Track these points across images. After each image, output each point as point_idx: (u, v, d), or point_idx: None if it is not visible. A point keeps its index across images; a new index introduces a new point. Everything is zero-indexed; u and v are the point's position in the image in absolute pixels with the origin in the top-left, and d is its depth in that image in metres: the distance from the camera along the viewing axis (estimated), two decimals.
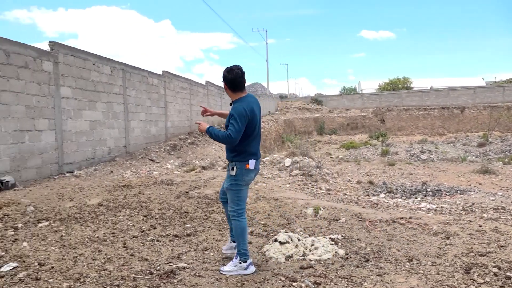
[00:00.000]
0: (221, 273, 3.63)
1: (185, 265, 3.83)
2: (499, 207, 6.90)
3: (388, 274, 3.53)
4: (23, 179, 7.85)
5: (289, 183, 8.35)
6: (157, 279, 3.49)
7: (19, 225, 5.09)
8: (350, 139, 33.26)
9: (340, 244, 4.34)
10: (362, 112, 41.87)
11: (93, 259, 3.98)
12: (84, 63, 10.04)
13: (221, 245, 4.43)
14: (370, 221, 5.20)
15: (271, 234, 4.75)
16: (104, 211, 5.89)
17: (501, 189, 10.09)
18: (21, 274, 3.58)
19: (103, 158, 10.75)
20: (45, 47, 8.90)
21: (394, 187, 10.91)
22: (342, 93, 61.71)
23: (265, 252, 4.17)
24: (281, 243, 4.24)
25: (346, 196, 7.91)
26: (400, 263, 3.79)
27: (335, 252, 4.07)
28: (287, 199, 6.45)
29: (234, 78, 3.73)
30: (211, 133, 3.72)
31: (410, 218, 5.42)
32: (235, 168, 3.66)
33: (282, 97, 61.34)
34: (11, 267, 3.74)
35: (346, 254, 4.05)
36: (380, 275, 3.50)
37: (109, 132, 11.07)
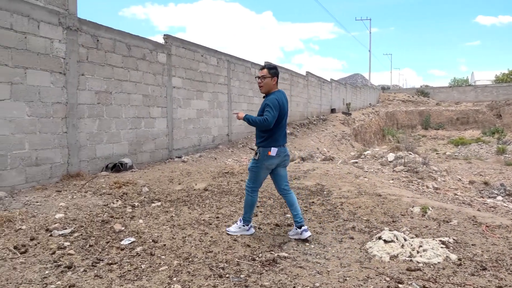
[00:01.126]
0: (227, 233, 4.41)
1: (286, 254, 3.86)
2: None
3: (510, 286, 3.18)
4: (138, 162, 8.60)
5: (393, 179, 7.96)
6: (259, 266, 3.57)
7: (136, 204, 5.58)
8: (460, 135, 30.70)
9: (452, 248, 4.02)
10: (474, 106, 38.33)
11: (200, 241, 4.20)
12: (193, 55, 10.61)
13: (322, 238, 4.39)
14: (487, 226, 4.73)
15: (374, 231, 4.58)
16: (209, 195, 6.19)
17: None
18: (138, 249, 3.92)
19: (208, 145, 11.32)
20: (160, 40, 9.59)
21: None
22: (452, 84, 57.08)
23: (368, 249, 4.03)
24: (385, 241, 4.06)
25: (457, 196, 7.30)
26: None
27: (446, 256, 3.78)
28: (391, 195, 6.16)
29: (278, 74, 4.50)
30: (249, 119, 4.33)
31: None
32: (258, 154, 4.26)
33: (384, 88, 58.75)
34: (130, 241, 4.11)
35: (459, 259, 3.73)
36: (500, 287, 3.17)
37: (213, 121, 11.61)
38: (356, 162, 10.14)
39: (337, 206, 5.68)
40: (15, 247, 3.85)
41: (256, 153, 4.29)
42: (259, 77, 4.42)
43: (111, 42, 7.84)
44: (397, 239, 4.11)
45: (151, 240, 4.16)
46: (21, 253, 3.75)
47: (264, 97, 4.43)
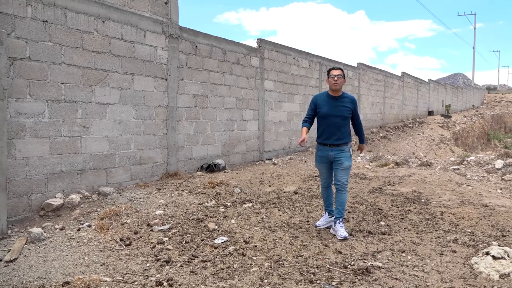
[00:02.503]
0: (345, 238, 4.35)
1: (380, 264, 3.69)
2: None
3: None
4: (230, 163, 8.88)
5: (501, 189, 7.21)
6: (351, 274, 3.45)
7: (228, 204, 5.75)
8: None
9: None
10: None
11: (290, 244, 4.19)
12: (285, 58, 10.69)
13: (419, 249, 4.12)
14: None
15: (480, 246, 4.17)
16: (299, 199, 6.17)
17: None
18: (230, 248, 4.03)
19: (298, 148, 11.30)
20: (253, 44, 9.81)
21: None
22: None
23: (473, 265, 3.68)
24: (494, 257, 3.67)
25: None
26: None
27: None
28: (499, 207, 5.59)
29: None
30: (362, 133, 5.07)
31: None
32: (350, 149, 4.63)
33: (489, 88, 53.82)
34: (223, 240, 4.25)
35: None
36: None
37: None
38: (458, 169, 9.38)
39: (437, 215, 5.29)
40: (121, 239, 4.20)
41: (348, 150, 4.63)
42: (338, 76, 4.57)
43: (208, 48, 8.21)
44: (508, 256, 3.70)
45: (242, 241, 4.25)
46: (126, 245, 4.07)
47: (338, 97, 4.62)
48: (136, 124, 6.69)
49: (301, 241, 4.30)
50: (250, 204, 5.79)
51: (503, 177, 8.12)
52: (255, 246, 4.12)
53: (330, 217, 4.75)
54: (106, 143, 6.20)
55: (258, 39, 9.98)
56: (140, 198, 5.68)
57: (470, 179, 8.04)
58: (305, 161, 10.07)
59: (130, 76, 6.56)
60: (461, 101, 33.23)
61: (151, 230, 4.50)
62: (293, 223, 4.93)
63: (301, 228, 4.76)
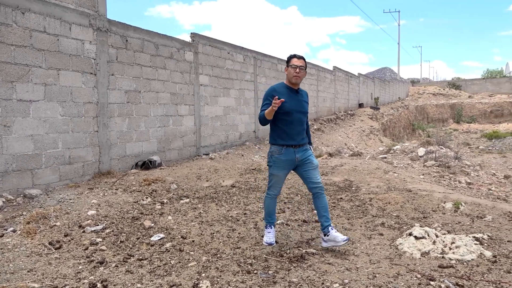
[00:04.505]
0: (348, 240, 3.82)
1: (314, 251, 3.84)
2: None
3: None
4: (166, 159, 8.74)
5: (423, 174, 7.78)
6: (287, 262, 3.56)
7: (165, 201, 5.67)
8: (494, 128, 29.66)
9: (486, 245, 3.89)
10: (509, 98, 36.95)
11: (228, 237, 4.23)
12: (220, 52, 10.67)
13: (350, 234, 4.33)
14: None
15: (404, 228, 4.49)
16: (237, 192, 6.23)
17: None
18: (167, 245, 3.99)
19: (235, 142, 11.37)
20: (187, 38, 9.69)
21: None
22: (485, 76, 55.24)
23: (398, 245, 3.95)
24: (416, 237, 3.97)
25: (492, 191, 7.07)
26: None
27: (481, 253, 3.66)
28: (421, 191, 6.03)
29: None
30: (309, 133, 4.28)
31: None
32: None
33: (413, 82, 57.45)
34: (159, 238, 4.19)
35: (494, 256, 3.61)
36: None
37: (240, 118, 11.65)
38: (385, 157, 9.96)
39: (366, 202, 5.60)
40: (50, 243, 3.99)
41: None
42: (300, 67, 3.89)
43: (139, 42, 7.98)
44: (428, 235, 4.02)
45: (180, 237, 4.22)
46: (55, 249, 3.88)
47: (297, 90, 4.01)
48: (63, 122, 6.36)
49: (239, 233, 4.36)
50: (188, 200, 5.75)
51: (425, 164, 8.76)
52: (193, 241, 4.11)
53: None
54: (31, 143, 5.84)
55: (191, 33, 9.87)
56: (70, 199, 5.43)
57: (396, 166, 8.57)
58: (242, 155, 10.16)
59: (55, 71, 6.22)
60: (388, 94, 35.15)
61: (83, 232, 4.32)
62: (231, 216, 4.97)
63: (238, 221, 4.82)
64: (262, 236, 4.24)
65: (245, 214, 5.10)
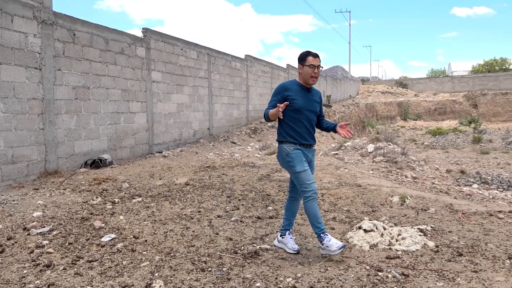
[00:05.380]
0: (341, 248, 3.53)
1: (268, 246, 3.89)
2: None
3: (484, 271, 3.28)
4: (118, 158, 8.50)
5: (372, 170, 8.08)
6: (241, 259, 3.58)
7: (116, 200, 5.52)
8: (437, 125, 31.26)
9: (429, 235, 4.11)
10: (451, 96, 39.10)
11: (181, 235, 4.19)
12: (173, 48, 10.51)
13: (303, 229, 4.43)
14: (463, 213, 4.85)
15: (354, 221, 4.65)
16: (191, 190, 6.17)
17: None
18: (119, 245, 3.89)
19: (189, 140, 11.26)
20: (139, 33, 9.46)
21: (489, 177, 10.07)
22: (429, 75, 58.04)
23: (348, 239, 4.09)
24: (365, 231, 4.12)
25: (435, 185, 7.47)
26: (499, 260, 3.49)
27: (424, 243, 3.86)
28: (370, 186, 6.26)
29: None
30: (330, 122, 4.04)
31: (510, 212, 4.97)
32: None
33: (364, 80, 59.31)
34: (110, 238, 4.08)
35: (437, 246, 3.82)
36: (475, 272, 3.26)
37: (194, 115, 11.54)
38: (337, 154, 10.24)
39: (318, 197, 5.74)
40: None
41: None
42: (318, 66, 3.69)
43: (88, 36, 7.70)
44: (376, 228, 4.18)
45: (132, 236, 4.13)
46: None
47: (310, 89, 3.80)
48: (5, 119, 6.03)
49: (193, 231, 4.33)
50: (140, 199, 5.63)
51: (374, 159, 9.09)
52: (146, 240, 4.03)
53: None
54: None
55: (143, 28, 9.65)
56: (13, 201, 5.16)
57: (347, 162, 8.84)
58: (197, 153, 10.08)
59: None
60: (340, 92, 36.09)
61: (28, 234, 4.12)
62: (185, 215, 4.93)
63: (192, 219, 4.78)
64: (217, 234, 4.24)
65: (199, 212, 5.07)
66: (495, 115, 35.27)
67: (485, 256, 3.60)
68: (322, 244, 3.54)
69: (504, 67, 49.61)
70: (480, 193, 7.01)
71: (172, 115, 10.52)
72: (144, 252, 3.73)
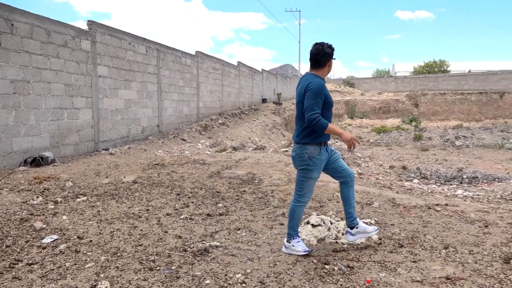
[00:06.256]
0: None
1: (218, 243, 3.89)
2: None
3: (423, 260, 3.47)
4: (61, 155, 8.13)
5: None
6: (191, 256, 3.55)
7: (59, 199, 5.28)
8: (382, 123, 32.60)
9: None
10: (395, 96, 40.89)
11: (129, 235, 4.09)
12: (120, 43, 10.18)
13: (253, 225, 4.46)
14: (404, 207, 5.10)
15: (303, 217, 4.74)
16: (139, 188, 6.03)
17: None
18: (62, 246, 3.73)
19: (137, 137, 10.97)
20: (84, 26, 9.08)
21: (428, 173, 10.66)
22: (375, 75, 60.32)
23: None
24: (313, 225, 4.23)
25: (379, 180, 7.79)
26: (436, 250, 3.71)
27: (369, 236, 4.02)
28: (318, 182, 6.41)
29: None
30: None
31: (446, 205, 5.29)
32: None
33: None
34: (52, 239, 3.90)
35: (380, 239, 4.00)
36: (414, 262, 3.45)
37: (143, 111, 11.26)
38: (286, 151, 10.40)
39: (268, 193, 5.80)
40: None
41: None
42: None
43: (28, 27, 7.28)
44: (324, 222, 4.30)
45: (76, 237, 3.98)
46: None
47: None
48: None
49: (141, 230, 4.23)
50: (85, 198, 5.42)
51: None
52: (91, 241, 3.90)
53: None
54: None
55: (88, 21, 9.26)
56: None
57: None
58: (145, 150, 9.85)
59: None
60: (290, 90, 36.65)
61: None
62: (132, 213, 4.81)
63: (140, 217, 4.68)
64: (165, 232, 4.18)
65: (147, 210, 4.97)
66: (434, 114, 37.32)
67: (424, 246, 3.81)
68: (289, 243, 3.63)
69: (442, 69, 52.53)
70: (420, 188, 7.40)
71: (120, 111, 10.20)
72: (89, 253, 3.60)
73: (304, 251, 3.59)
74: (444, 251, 3.69)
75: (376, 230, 3.78)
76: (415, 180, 9.30)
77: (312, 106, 3.40)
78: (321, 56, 3.58)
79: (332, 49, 3.62)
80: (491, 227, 4.35)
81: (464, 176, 10.22)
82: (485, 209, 5.13)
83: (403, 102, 38.98)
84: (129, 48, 10.60)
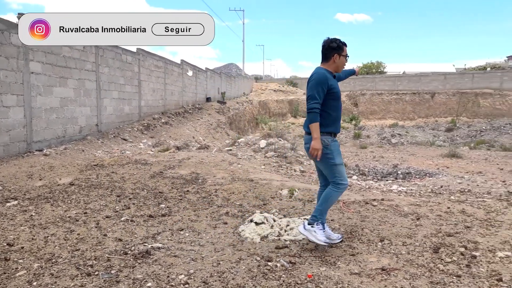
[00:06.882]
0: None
1: (160, 245, 3.81)
2: (466, 190, 7.16)
3: (360, 253, 3.62)
4: None
5: (264, 165, 8.38)
6: (131, 259, 3.46)
7: None
8: None
9: None
10: None
11: (65, 239, 3.90)
12: None
13: (196, 225, 4.42)
14: (343, 203, 5.29)
15: (247, 215, 4.77)
16: (76, 190, 5.77)
17: (467, 172, 10.45)
18: None
19: (74, 137, 10.47)
20: (14, 19, 8.51)
21: (366, 169, 11.14)
22: None
23: (240, 232, 4.19)
24: (256, 223, 4.27)
25: None
26: (373, 243, 3.89)
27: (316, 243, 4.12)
28: (262, 180, 6.48)
29: None
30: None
31: (382, 199, 5.55)
32: None
33: (257, 78, 61.15)
34: None
35: None
36: (353, 255, 3.59)
37: (80, 110, 10.77)
38: (230, 150, 10.42)
39: (212, 193, 5.78)
40: None
41: None
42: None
43: None
44: (267, 220, 4.36)
45: (5, 244, 3.73)
46: None
47: (334, 76, 3.84)
48: None
49: (78, 234, 4.05)
50: (16, 202, 5.10)
51: (266, 155, 9.44)
52: (22, 247, 3.67)
53: None
54: None
55: (19, 13, 8.69)
56: None
57: (240, 158, 9.04)
58: (83, 150, 9.43)
59: None
60: (234, 89, 36.70)
61: None
62: (69, 217, 4.59)
63: (77, 221, 4.47)
64: (105, 235, 4.03)
65: (85, 213, 4.76)
66: (372, 113, 39.07)
67: (361, 240, 3.98)
68: (312, 226, 3.64)
69: (380, 70, 55.01)
70: (358, 184, 7.71)
71: (55, 110, 9.68)
72: (20, 260, 3.39)
73: (325, 242, 3.61)
74: (380, 243, 3.87)
75: (340, 238, 3.84)
76: (354, 177, 9.67)
77: (313, 94, 3.57)
78: (325, 49, 3.75)
79: (338, 44, 3.71)
80: (422, 219, 4.63)
81: (399, 172, 10.79)
82: (417, 203, 5.45)
83: (344, 101, 40.37)
84: None
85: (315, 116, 3.55)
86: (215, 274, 3.17)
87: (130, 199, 5.42)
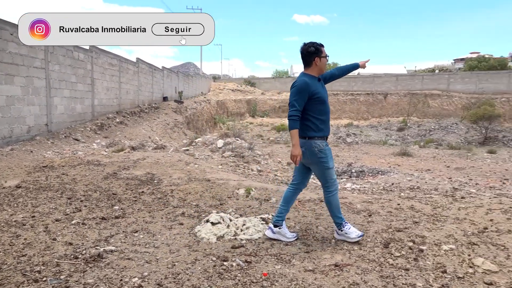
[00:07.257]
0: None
1: (113, 248, 3.71)
2: (415, 187, 7.47)
3: (315, 251, 3.70)
4: None
5: (221, 164, 8.36)
6: (82, 264, 3.35)
7: None
8: (282, 122, 33.93)
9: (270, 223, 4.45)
10: None
11: (10, 245, 3.72)
12: (0, 33, 9.17)
13: (151, 227, 4.34)
14: (299, 201, 5.37)
15: (203, 215, 4.74)
16: (23, 193, 5.50)
17: (416, 170, 10.93)
18: None
19: (22, 137, 9.99)
20: None
21: None
22: (274, 76, 62.53)
23: (196, 233, 4.16)
24: (212, 223, 4.25)
25: (277, 177, 8.10)
26: (326, 240, 3.98)
27: (286, 241, 4.16)
28: (219, 180, 6.47)
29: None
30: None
31: None
32: None
33: (215, 78, 60.85)
34: None
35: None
36: (307, 252, 3.66)
37: (28, 109, 10.28)
38: (188, 150, 10.31)
39: (168, 194, 5.70)
40: None
41: None
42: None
43: None
44: (223, 220, 4.35)
45: None
46: None
47: (319, 79, 3.86)
48: None
49: (25, 239, 3.87)
50: None
51: (223, 154, 9.42)
52: None
53: None
54: None
55: None
56: None
57: (197, 158, 8.96)
58: (32, 151, 9.01)
59: None
60: (192, 88, 36.33)
61: None
62: (15, 221, 4.37)
63: (24, 225, 4.27)
64: (54, 239, 3.87)
65: (33, 217, 4.55)
66: None
67: (316, 237, 4.06)
68: (341, 231, 3.88)
69: None
70: (314, 182, 7.85)
71: (1, 109, 9.19)
72: None
73: (358, 236, 3.83)
74: (333, 240, 3.97)
75: (295, 238, 3.97)
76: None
77: (293, 102, 3.66)
78: (304, 55, 3.79)
79: (316, 47, 3.75)
80: (374, 216, 4.79)
81: (353, 171, 11.10)
82: (369, 200, 5.63)
83: None
84: (11, 39, 9.59)
85: (294, 123, 3.65)
86: (170, 275, 3.13)
87: (81, 201, 5.24)
